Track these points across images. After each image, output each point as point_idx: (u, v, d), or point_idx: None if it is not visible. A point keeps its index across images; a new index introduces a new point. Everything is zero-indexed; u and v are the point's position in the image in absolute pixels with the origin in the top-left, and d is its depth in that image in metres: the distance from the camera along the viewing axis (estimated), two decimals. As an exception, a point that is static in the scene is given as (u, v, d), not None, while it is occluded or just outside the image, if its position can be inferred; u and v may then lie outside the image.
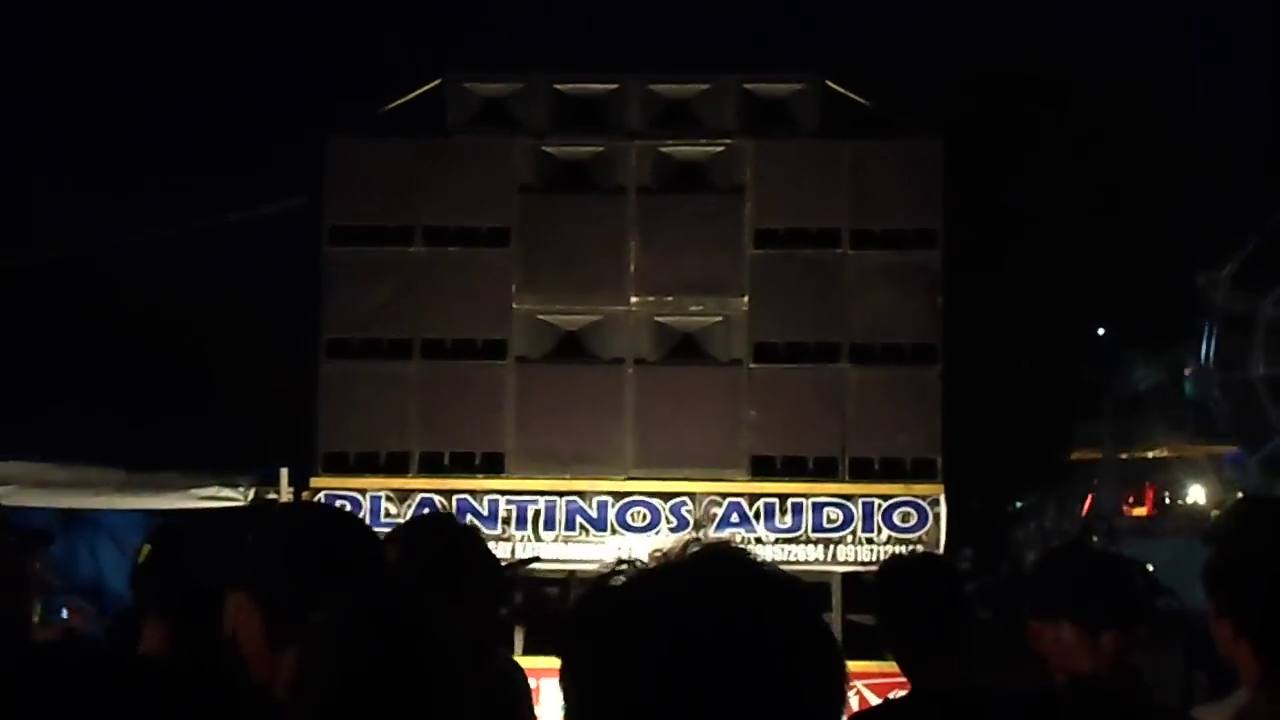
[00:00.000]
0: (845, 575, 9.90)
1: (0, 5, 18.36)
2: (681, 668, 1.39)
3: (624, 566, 1.54)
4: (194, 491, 10.61)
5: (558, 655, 1.49)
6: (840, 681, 1.50)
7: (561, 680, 1.49)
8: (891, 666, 4.12)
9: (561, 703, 1.50)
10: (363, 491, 10.12)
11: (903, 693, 3.94)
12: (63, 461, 11.00)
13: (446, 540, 3.82)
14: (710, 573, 1.50)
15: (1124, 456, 32.26)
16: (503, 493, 10.14)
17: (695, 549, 1.51)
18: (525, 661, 9.65)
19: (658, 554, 1.49)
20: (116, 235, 15.62)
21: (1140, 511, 31.71)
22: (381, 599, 2.40)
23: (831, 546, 9.98)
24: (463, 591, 3.40)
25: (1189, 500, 32.22)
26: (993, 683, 3.87)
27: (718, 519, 10.03)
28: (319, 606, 2.39)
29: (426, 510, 9.98)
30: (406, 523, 5.18)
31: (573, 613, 1.51)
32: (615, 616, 1.45)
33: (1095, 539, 25.93)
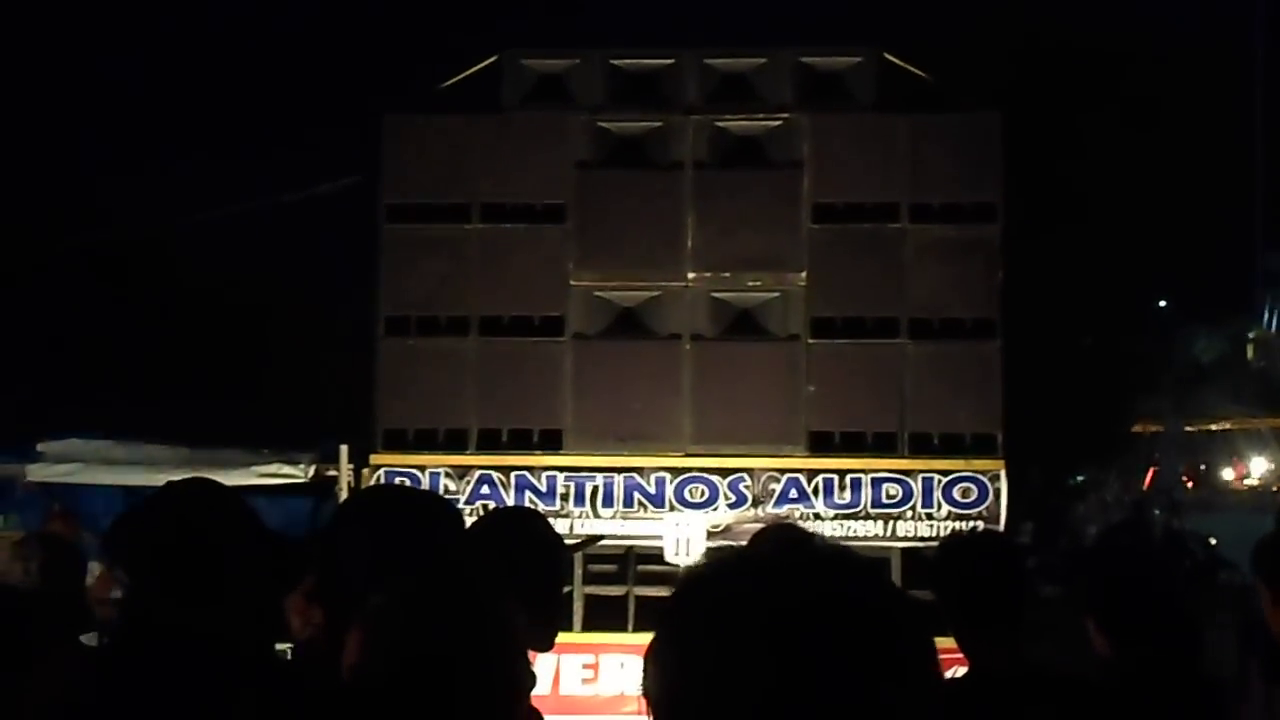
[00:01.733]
0: (904, 550, 9.87)
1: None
2: (796, 649, 1.42)
3: (710, 559, 1.56)
4: (256, 468, 10.68)
5: (664, 645, 1.50)
6: (933, 652, 1.53)
7: (655, 668, 1.49)
8: (951, 643, 4.10)
9: (652, 688, 1.49)
10: (421, 468, 10.16)
11: (961, 671, 3.92)
12: (126, 440, 11.10)
13: (512, 523, 3.82)
14: (802, 558, 1.53)
15: (1187, 429, 32.06)
16: (561, 469, 10.15)
17: (767, 531, 1.55)
18: (584, 637, 9.73)
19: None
20: (176, 216, 15.73)
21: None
22: (443, 584, 2.40)
23: (891, 522, 9.95)
24: (526, 574, 3.40)
25: (1252, 473, 31.99)
26: (1051, 660, 3.84)
27: (776, 495, 10.02)
28: (376, 590, 2.39)
29: (486, 488, 10.03)
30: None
31: (679, 605, 1.52)
32: (723, 605, 1.48)
33: (1157, 512, 25.79)
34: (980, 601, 3.73)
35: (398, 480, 10.02)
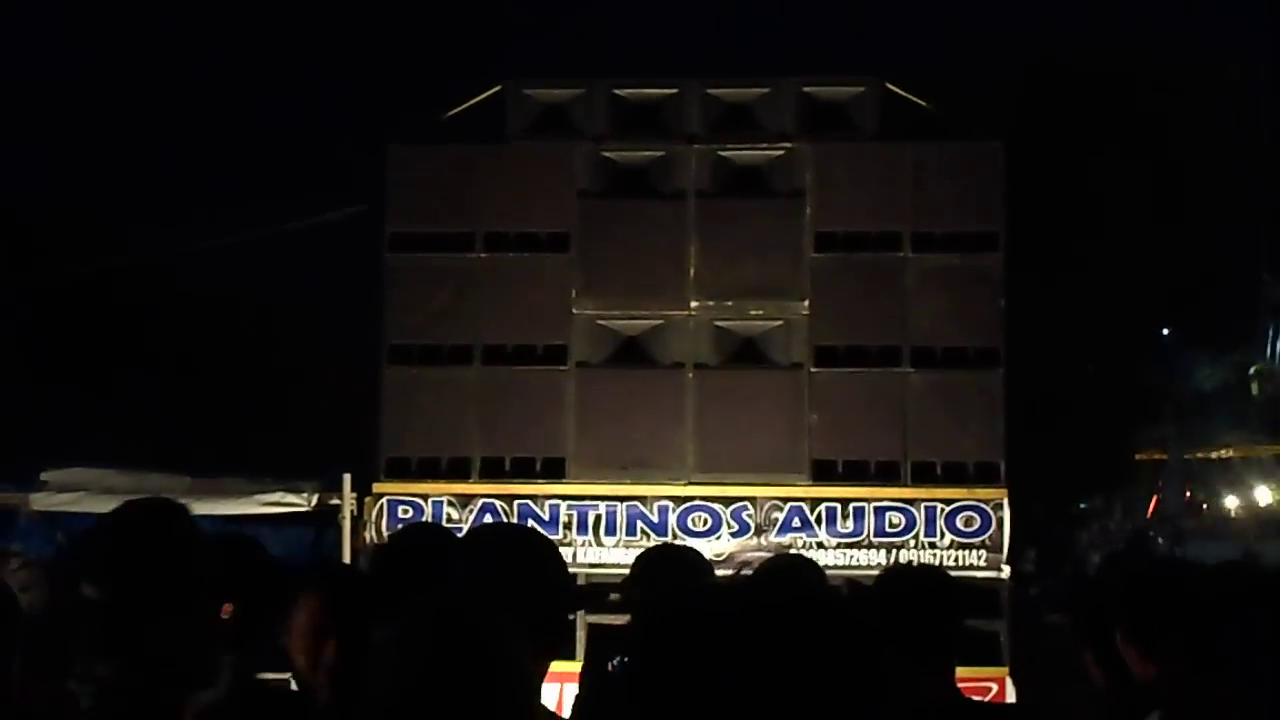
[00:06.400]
0: (908, 579, 9.86)
1: (71, 19, 18.60)
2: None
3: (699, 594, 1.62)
4: (258, 497, 10.68)
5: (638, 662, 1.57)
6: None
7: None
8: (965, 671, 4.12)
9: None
10: (424, 497, 10.16)
11: None
12: (128, 468, 11.10)
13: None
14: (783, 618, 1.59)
15: (1190, 457, 32.03)
16: (564, 498, 10.15)
17: (772, 561, 1.63)
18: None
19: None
20: (181, 244, 15.76)
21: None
22: (444, 614, 2.40)
23: (894, 551, 9.94)
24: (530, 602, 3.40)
25: (1258, 501, 31.94)
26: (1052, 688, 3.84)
27: (779, 523, 10.01)
28: (381, 620, 2.40)
29: (489, 516, 10.01)
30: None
31: (651, 631, 1.58)
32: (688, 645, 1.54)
33: (1160, 540, 25.77)
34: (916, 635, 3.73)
35: (400, 509, 10.03)
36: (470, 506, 10.13)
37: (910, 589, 3.95)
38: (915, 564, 9.07)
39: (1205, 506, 31.64)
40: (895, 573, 4.51)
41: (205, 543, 3.21)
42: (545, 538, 3.68)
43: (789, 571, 4.86)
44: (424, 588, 3.82)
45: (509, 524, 8.81)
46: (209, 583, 3.13)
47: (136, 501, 3.23)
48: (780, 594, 1.57)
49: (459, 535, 4.11)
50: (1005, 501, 9.95)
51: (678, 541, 9.11)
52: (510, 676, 2.31)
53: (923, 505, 9.97)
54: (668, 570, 4.91)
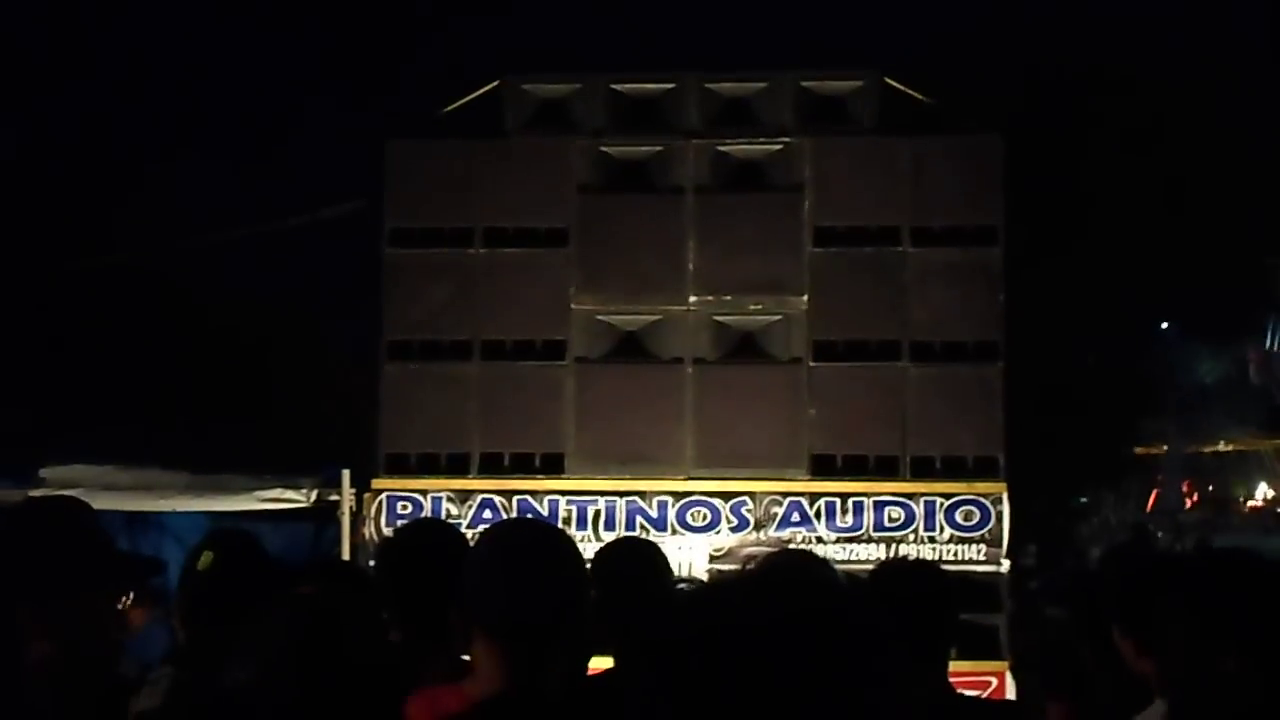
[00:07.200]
0: (907, 574, 9.84)
1: (65, 12, 18.57)
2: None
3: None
4: (257, 493, 10.68)
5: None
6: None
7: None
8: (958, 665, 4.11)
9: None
10: (424, 493, 10.16)
11: None
12: (127, 464, 11.09)
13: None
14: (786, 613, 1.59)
15: (1191, 451, 32.03)
16: (563, 493, 10.15)
17: (776, 556, 1.64)
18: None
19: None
20: (179, 240, 15.74)
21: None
22: (303, 619, 2.44)
23: (893, 546, 9.94)
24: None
25: (1256, 495, 31.96)
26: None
27: (778, 518, 10.01)
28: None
29: (488, 512, 10.01)
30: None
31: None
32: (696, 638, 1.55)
33: (1160, 534, 25.76)
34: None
35: (399, 505, 10.03)
36: (469, 502, 10.13)
37: (902, 583, 3.95)
38: (908, 558, 9.07)
39: (1208, 493, 31.67)
40: (887, 567, 4.50)
41: (99, 536, 3.33)
42: (567, 537, 3.63)
43: (795, 572, 4.83)
44: (431, 584, 3.83)
45: (531, 521, 8.79)
46: (101, 574, 3.22)
47: (33, 499, 3.38)
48: (793, 600, 1.58)
49: (462, 531, 4.12)
50: (1005, 495, 9.94)
51: (635, 535, 9.13)
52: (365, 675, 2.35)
53: (922, 499, 9.97)
54: (625, 566, 4.88)
